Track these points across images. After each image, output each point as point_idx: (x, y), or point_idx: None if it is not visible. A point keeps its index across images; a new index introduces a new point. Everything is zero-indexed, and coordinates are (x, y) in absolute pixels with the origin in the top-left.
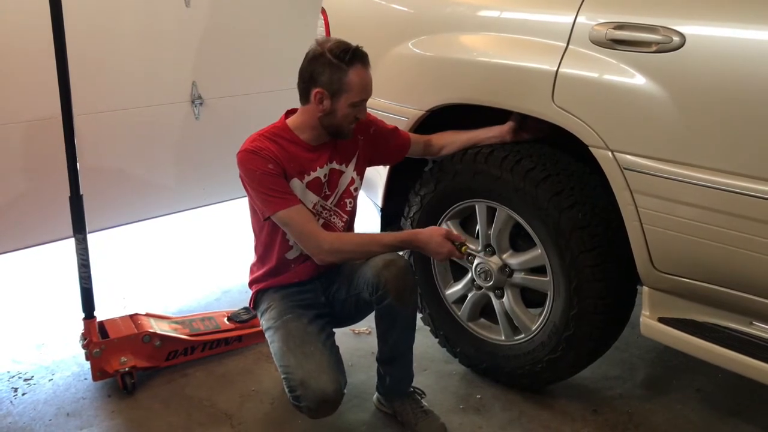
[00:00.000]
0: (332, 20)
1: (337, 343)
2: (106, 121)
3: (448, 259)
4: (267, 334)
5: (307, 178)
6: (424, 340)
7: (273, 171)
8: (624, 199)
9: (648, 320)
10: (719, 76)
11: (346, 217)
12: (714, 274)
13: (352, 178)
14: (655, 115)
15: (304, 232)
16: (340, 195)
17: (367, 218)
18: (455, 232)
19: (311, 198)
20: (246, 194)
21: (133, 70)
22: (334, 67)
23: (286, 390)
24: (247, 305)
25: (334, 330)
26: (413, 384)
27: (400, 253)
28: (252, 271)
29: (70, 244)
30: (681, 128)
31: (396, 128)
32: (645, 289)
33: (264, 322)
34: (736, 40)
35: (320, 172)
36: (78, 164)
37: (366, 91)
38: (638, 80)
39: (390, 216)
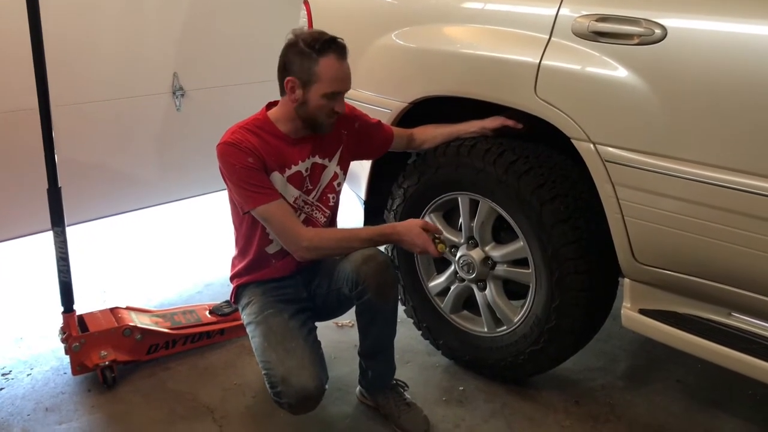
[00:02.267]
0: (315, 11)
1: (320, 335)
2: (85, 113)
3: (425, 253)
4: (248, 329)
5: (287, 172)
6: (407, 333)
7: (253, 165)
8: (606, 192)
9: (629, 312)
10: (700, 68)
11: (328, 212)
12: (694, 266)
13: (336, 173)
14: (637, 107)
15: (283, 229)
16: (323, 190)
17: (350, 211)
18: (433, 224)
19: (292, 192)
20: (226, 187)
21: (113, 61)
22: (304, 56)
23: (267, 386)
24: (229, 299)
25: (317, 323)
26: (396, 376)
27: (382, 248)
28: (233, 265)
29: (50, 237)
30: (662, 121)
31: (380, 122)
32: (626, 281)
33: (245, 316)
34: (717, 33)
35: (302, 166)
36: (56, 156)
37: (339, 82)
38: (620, 73)
39: (373, 209)
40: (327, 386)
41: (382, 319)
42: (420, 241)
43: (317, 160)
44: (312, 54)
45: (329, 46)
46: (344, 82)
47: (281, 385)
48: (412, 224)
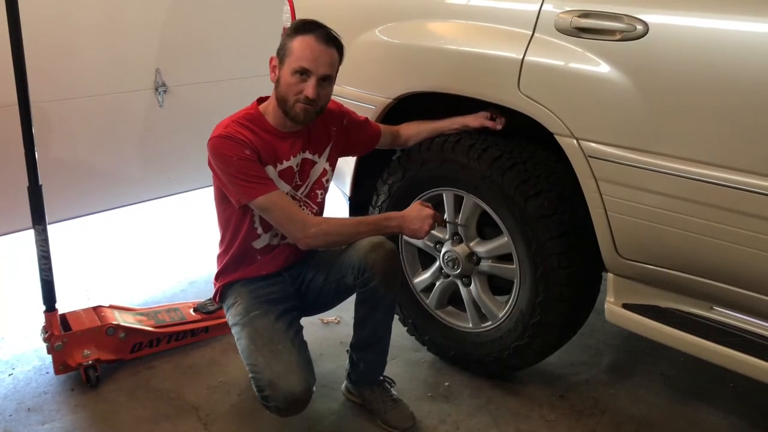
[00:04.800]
0: (298, 7)
1: (306, 332)
2: (66, 109)
3: (427, 234)
4: (233, 330)
5: (280, 167)
6: (393, 329)
7: (250, 156)
8: (589, 187)
9: (612, 306)
10: (682, 64)
11: (315, 208)
12: (677, 261)
13: (325, 168)
14: (620, 103)
15: (288, 217)
16: (312, 185)
17: (335, 208)
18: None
19: (283, 187)
20: (212, 183)
21: (95, 57)
22: (286, 35)
23: (255, 389)
24: (212, 298)
25: (304, 317)
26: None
27: None
28: (218, 263)
29: (31, 235)
30: (645, 116)
31: (367, 119)
32: (610, 275)
33: (230, 317)
34: (699, 29)
35: (293, 162)
36: (37, 153)
37: (308, 60)
38: (603, 68)
39: (358, 205)
40: (314, 388)
41: (383, 308)
42: (426, 226)
43: (307, 155)
44: (291, 32)
45: (311, 28)
46: (315, 62)
47: (268, 389)
48: (414, 206)
